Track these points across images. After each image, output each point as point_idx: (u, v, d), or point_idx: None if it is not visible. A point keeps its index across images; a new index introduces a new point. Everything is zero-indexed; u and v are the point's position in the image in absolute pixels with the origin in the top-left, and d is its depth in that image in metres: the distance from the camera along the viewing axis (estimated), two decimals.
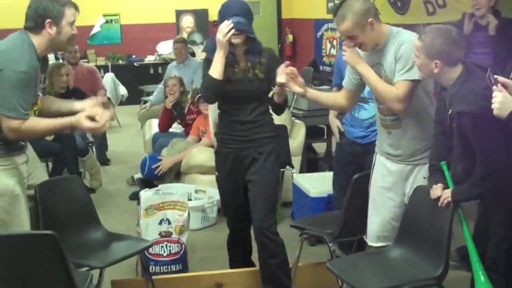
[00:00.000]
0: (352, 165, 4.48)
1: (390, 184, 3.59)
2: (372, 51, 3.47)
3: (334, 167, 4.87)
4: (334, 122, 4.91)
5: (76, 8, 3.33)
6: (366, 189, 3.78)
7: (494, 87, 2.78)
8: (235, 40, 3.69)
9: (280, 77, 3.53)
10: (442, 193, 3.22)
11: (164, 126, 6.87)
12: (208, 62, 3.78)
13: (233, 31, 3.62)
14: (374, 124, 4.15)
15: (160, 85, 8.05)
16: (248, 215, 3.93)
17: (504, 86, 2.81)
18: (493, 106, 2.78)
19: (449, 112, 3.08)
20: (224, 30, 3.63)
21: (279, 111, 3.94)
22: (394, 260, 3.43)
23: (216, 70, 3.69)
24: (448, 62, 3.09)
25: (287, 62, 3.59)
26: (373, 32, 3.36)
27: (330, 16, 9.71)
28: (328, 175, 5.07)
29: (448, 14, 6.90)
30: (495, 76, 2.81)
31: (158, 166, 6.09)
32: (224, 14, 3.71)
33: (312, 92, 3.72)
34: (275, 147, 3.92)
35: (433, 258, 3.25)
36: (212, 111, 5.56)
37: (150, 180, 6.23)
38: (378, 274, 3.36)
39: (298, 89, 3.57)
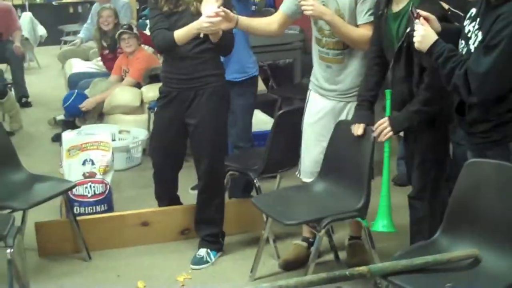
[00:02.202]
0: None
1: (322, 121, 3.61)
2: None
3: None
4: None
5: None
6: (291, 124, 3.81)
7: (416, 20, 2.83)
8: None
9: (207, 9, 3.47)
10: (379, 123, 3.22)
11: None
12: (155, 3, 3.68)
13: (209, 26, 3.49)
14: None
15: (88, 21, 7.85)
16: (177, 159, 3.93)
17: (426, 19, 2.85)
18: (414, 39, 2.83)
19: (408, 30, 3.03)
20: (211, 19, 3.47)
21: (221, 51, 3.80)
22: (318, 193, 3.50)
23: (181, 38, 3.59)
24: None
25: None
26: None
27: None
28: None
29: None
30: (417, 10, 2.85)
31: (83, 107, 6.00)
32: None
33: (243, 21, 3.62)
34: (220, 86, 3.79)
35: (355, 191, 3.34)
36: None
37: (72, 120, 6.12)
38: (302, 208, 3.44)
39: (227, 25, 3.52)
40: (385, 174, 3.22)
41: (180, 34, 3.60)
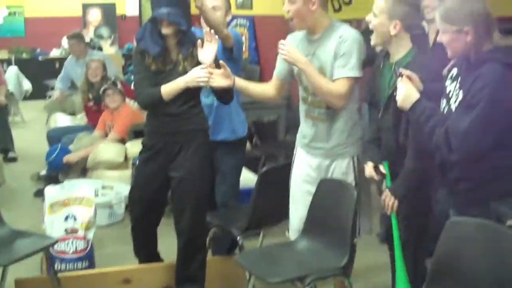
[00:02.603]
0: None
1: (309, 178, 3.59)
2: (307, 40, 3.46)
3: None
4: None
5: None
6: (275, 182, 3.82)
7: (399, 78, 2.88)
8: (165, 31, 3.58)
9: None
10: (383, 199, 3.25)
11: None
12: (140, 53, 3.68)
13: (204, 78, 3.52)
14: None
15: (62, 74, 7.94)
16: (158, 213, 3.93)
17: (409, 78, 2.90)
18: (397, 97, 2.89)
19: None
20: (196, 77, 3.53)
21: (224, 99, 3.81)
22: (301, 251, 3.49)
23: (168, 94, 3.60)
24: (407, 25, 3.13)
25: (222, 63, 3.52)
26: (312, 13, 3.35)
27: (239, 12, 9.77)
28: None
29: (354, 11, 7.04)
30: (400, 69, 2.91)
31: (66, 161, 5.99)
32: (155, 3, 3.59)
33: (240, 82, 3.62)
34: (205, 142, 3.82)
35: (338, 249, 3.33)
36: None
37: (55, 175, 6.09)
38: (286, 265, 3.41)
39: (224, 83, 3.52)
40: (397, 249, 3.22)
41: (168, 88, 3.60)
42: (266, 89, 3.73)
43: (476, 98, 2.63)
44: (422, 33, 3.80)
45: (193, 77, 3.55)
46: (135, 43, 3.84)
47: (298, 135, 3.70)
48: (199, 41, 3.55)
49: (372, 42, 3.26)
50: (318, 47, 3.41)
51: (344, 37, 3.33)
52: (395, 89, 3.07)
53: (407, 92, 2.86)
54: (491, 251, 2.62)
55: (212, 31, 3.58)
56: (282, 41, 3.39)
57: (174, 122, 3.71)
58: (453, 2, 2.74)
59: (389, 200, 3.22)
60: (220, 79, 3.53)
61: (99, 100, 6.49)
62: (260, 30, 9.41)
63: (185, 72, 3.63)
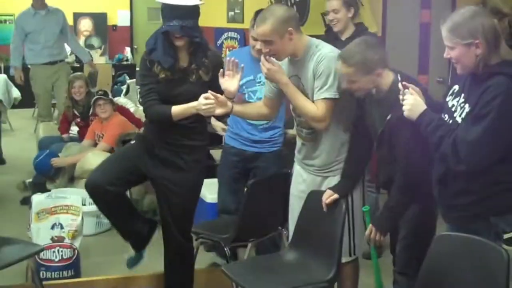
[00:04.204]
0: (237, 168, 4.49)
1: (304, 193, 3.60)
2: (290, 62, 3.46)
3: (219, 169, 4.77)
4: (218, 125, 4.68)
5: None
6: (262, 193, 3.82)
7: (406, 90, 2.91)
8: (178, 43, 3.52)
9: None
10: (367, 236, 3.27)
11: (65, 129, 6.72)
12: (149, 61, 3.58)
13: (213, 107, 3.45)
14: (272, 128, 4.24)
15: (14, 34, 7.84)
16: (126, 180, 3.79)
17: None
18: (404, 107, 2.90)
19: (388, 117, 3.11)
20: (204, 106, 3.43)
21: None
22: (289, 263, 3.49)
23: (178, 116, 3.51)
24: (385, 65, 3.14)
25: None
26: (291, 42, 3.33)
27: (230, 25, 9.82)
28: None
29: None
30: (403, 82, 2.94)
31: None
32: (167, 15, 3.49)
33: (236, 108, 3.58)
34: (205, 156, 3.80)
35: (325, 262, 3.33)
36: None
37: (41, 182, 6.07)
38: (272, 277, 3.41)
39: (222, 111, 3.48)
40: (377, 281, 3.26)
41: (178, 111, 3.51)
42: (260, 110, 3.74)
43: (485, 109, 2.63)
44: None
45: (206, 109, 3.44)
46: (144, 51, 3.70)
47: (295, 151, 3.73)
48: (220, 71, 3.53)
49: (357, 96, 3.29)
50: (300, 68, 3.42)
51: (321, 56, 3.33)
52: (386, 126, 3.12)
53: (414, 102, 2.88)
54: (479, 267, 2.62)
55: (236, 60, 3.53)
56: (264, 59, 3.39)
57: (178, 135, 3.64)
58: (461, 16, 2.73)
59: (374, 234, 3.24)
60: (218, 108, 3.48)
61: (87, 115, 6.50)
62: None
63: (200, 81, 3.59)
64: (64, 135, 6.66)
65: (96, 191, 3.68)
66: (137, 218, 3.92)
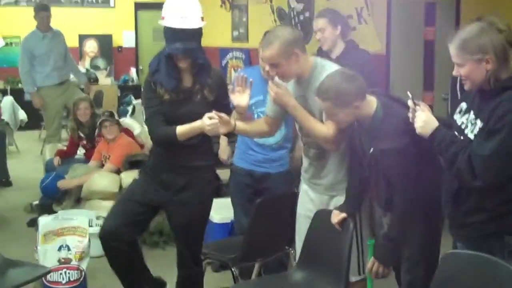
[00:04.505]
0: (249, 188, 4.48)
1: (311, 212, 3.60)
2: (296, 82, 3.46)
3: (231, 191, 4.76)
4: (225, 152, 4.83)
5: None
6: (269, 213, 3.81)
7: (417, 107, 2.89)
8: (182, 65, 3.52)
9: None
10: (368, 269, 3.24)
11: (71, 151, 6.74)
12: (153, 83, 3.57)
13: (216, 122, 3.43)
14: (280, 148, 4.25)
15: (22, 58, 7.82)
16: (137, 226, 3.79)
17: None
18: (416, 125, 2.87)
19: (371, 151, 3.12)
20: (208, 126, 3.42)
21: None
22: (296, 283, 3.48)
23: (183, 136, 3.50)
24: (363, 95, 3.11)
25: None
26: (297, 64, 3.33)
27: (234, 45, 9.86)
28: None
29: None
30: (415, 101, 2.92)
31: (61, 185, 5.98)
32: (169, 38, 3.48)
33: (239, 126, 3.57)
34: (212, 177, 3.80)
35: (333, 281, 3.32)
36: None
37: (48, 204, 6.06)
38: None
39: (225, 129, 3.47)
40: None
41: (183, 131, 3.50)
42: (261, 127, 3.74)
43: (499, 124, 2.62)
44: None
45: (210, 128, 3.42)
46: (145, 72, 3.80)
47: (302, 170, 3.73)
48: (230, 87, 3.54)
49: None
50: (306, 88, 3.42)
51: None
52: (371, 158, 3.12)
53: (427, 118, 2.85)
54: (487, 285, 2.60)
55: (245, 75, 3.53)
56: (271, 83, 3.41)
57: (184, 155, 3.62)
58: (469, 33, 2.73)
59: (376, 267, 3.20)
60: (222, 127, 3.47)
61: (92, 137, 6.53)
62: (255, 63, 9.45)
63: (204, 100, 3.58)
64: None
65: (109, 239, 3.71)
66: (146, 278, 3.94)
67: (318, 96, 3.14)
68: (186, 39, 3.44)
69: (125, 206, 3.78)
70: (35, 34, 7.84)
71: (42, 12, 7.83)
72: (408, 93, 2.98)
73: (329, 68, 3.37)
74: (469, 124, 2.79)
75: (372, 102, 3.14)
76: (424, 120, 2.86)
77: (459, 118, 2.88)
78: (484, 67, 2.70)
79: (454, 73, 2.82)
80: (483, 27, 2.73)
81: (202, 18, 3.52)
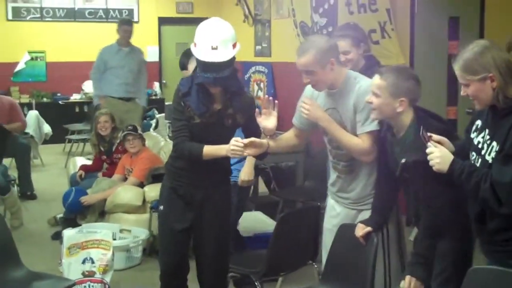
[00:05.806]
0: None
1: (336, 227, 3.58)
2: (327, 94, 3.45)
3: None
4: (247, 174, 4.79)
5: None
6: (292, 227, 3.80)
7: (429, 143, 2.84)
8: (214, 91, 3.49)
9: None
10: (408, 286, 3.15)
11: (96, 167, 6.76)
12: (183, 102, 3.53)
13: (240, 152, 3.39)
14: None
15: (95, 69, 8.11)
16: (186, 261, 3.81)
17: (438, 143, 2.87)
18: (431, 162, 2.82)
19: (403, 161, 3.08)
20: (234, 152, 3.37)
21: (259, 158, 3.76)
22: None
23: (208, 156, 3.48)
24: (413, 99, 3.12)
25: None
26: (332, 73, 3.33)
27: (257, 59, 9.90)
28: (254, 214, 5.09)
29: None
30: (428, 134, 2.87)
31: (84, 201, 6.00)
32: (202, 67, 3.39)
33: (272, 145, 3.55)
34: (229, 190, 3.78)
35: None
36: None
37: (72, 218, 6.09)
38: None
39: (258, 151, 3.46)
40: None
41: (209, 152, 3.47)
42: (291, 141, 3.72)
43: None
44: None
45: (233, 153, 3.39)
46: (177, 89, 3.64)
47: (328, 184, 3.72)
48: (257, 110, 3.53)
49: (373, 117, 3.24)
50: (337, 101, 3.41)
51: (362, 90, 3.32)
52: (401, 169, 3.09)
53: (441, 154, 2.81)
54: None
55: (271, 98, 3.51)
56: (304, 99, 3.41)
57: (205, 167, 3.56)
58: (471, 52, 2.72)
59: (415, 284, 3.11)
60: (254, 149, 3.45)
61: (111, 152, 6.57)
62: (278, 77, 9.50)
63: (235, 125, 3.59)
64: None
65: (172, 278, 3.76)
66: None
67: (379, 75, 3.11)
68: (218, 70, 3.36)
69: (174, 238, 3.72)
70: (111, 47, 8.15)
71: (124, 26, 8.14)
72: (422, 128, 2.92)
73: (363, 81, 3.37)
74: (485, 145, 2.76)
75: (409, 113, 3.13)
76: (438, 156, 2.81)
77: (475, 137, 2.86)
78: (490, 86, 2.68)
79: (462, 93, 2.81)
80: (484, 45, 2.72)
81: (235, 44, 3.44)
